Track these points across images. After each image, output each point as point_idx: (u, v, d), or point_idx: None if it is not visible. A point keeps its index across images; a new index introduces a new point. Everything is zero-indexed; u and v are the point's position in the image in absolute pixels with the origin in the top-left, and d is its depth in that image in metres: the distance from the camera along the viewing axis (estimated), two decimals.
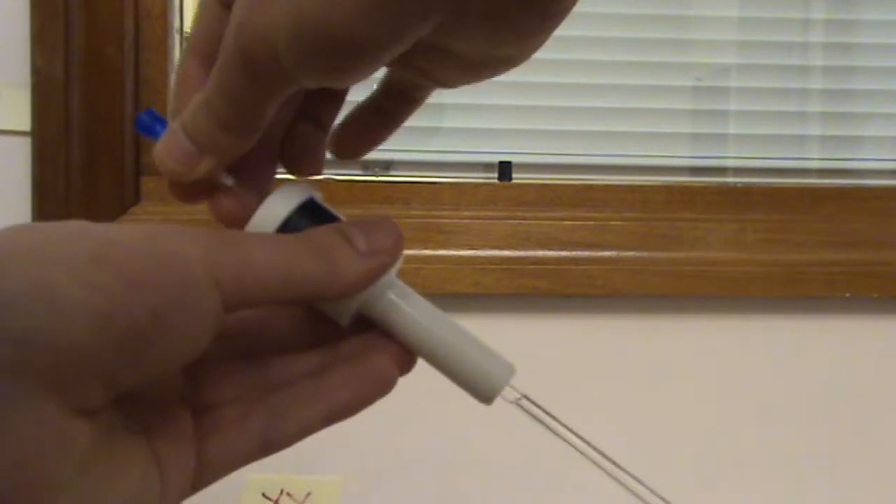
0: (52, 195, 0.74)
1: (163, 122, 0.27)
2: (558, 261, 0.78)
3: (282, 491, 0.76)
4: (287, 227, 0.27)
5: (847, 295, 0.79)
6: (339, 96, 0.31)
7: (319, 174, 0.30)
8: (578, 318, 0.80)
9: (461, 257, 0.77)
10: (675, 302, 0.80)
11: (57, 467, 0.20)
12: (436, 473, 0.80)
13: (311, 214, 0.27)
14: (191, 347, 0.23)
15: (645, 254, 0.78)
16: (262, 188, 0.29)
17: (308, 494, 0.77)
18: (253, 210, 0.27)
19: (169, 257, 0.22)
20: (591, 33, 0.86)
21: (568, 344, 0.80)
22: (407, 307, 0.28)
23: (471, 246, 0.77)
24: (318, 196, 0.28)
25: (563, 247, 0.78)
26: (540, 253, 0.78)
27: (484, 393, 0.28)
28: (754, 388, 0.82)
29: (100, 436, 0.22)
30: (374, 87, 0.31)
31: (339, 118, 0.32)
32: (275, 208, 0.27)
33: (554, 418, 0.28)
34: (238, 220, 0.28)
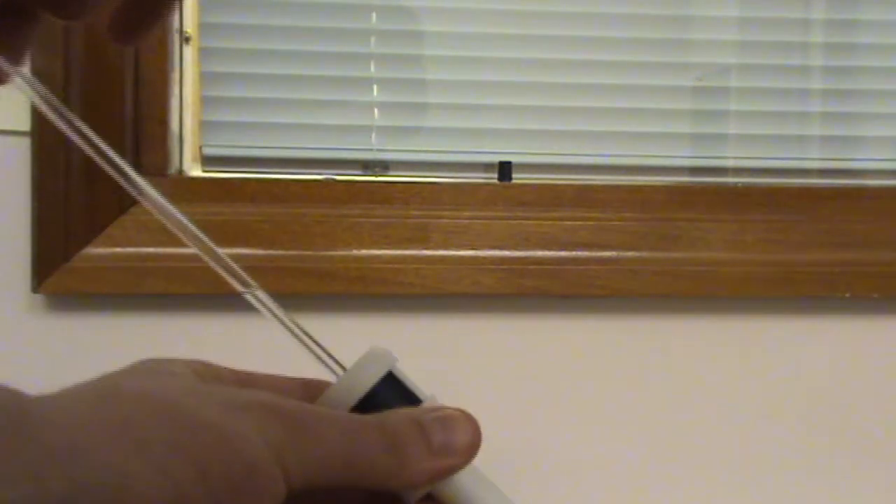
0: (52, 196, 0.74)
1: None
2: (558, 261, 0.78)
3: None
4: (366, 402, 0.27)
5: (847, 295, 0.79)
6: None
7: (88, 18, 0.29)
8: (578, 319, 0.80)
9: (461, 257, 0.77)
10: (675, 302, 0.80)
11: None
12: None
13: (391, 389, 0.27)
14: None
15: (645, 254, 0.78)
16: (18, 52, 0.28)
17: None
18: (8, 78, 0.27)
19: (241, 443, 0.22)
20: (591, 33, 0.86)
21: (568, 344, 0.80)
22: (470, 489, 0.27)
23: (471, 246, 0.77)
24: (398, 365, 0.28)
25: (563, 247, 0.78)
26: (540, 253, 0.78)
27: None
28: (754, 389, 0.82)
29: None
30: None
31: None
32: (354, 382, 0.27)
33: None
34: None
